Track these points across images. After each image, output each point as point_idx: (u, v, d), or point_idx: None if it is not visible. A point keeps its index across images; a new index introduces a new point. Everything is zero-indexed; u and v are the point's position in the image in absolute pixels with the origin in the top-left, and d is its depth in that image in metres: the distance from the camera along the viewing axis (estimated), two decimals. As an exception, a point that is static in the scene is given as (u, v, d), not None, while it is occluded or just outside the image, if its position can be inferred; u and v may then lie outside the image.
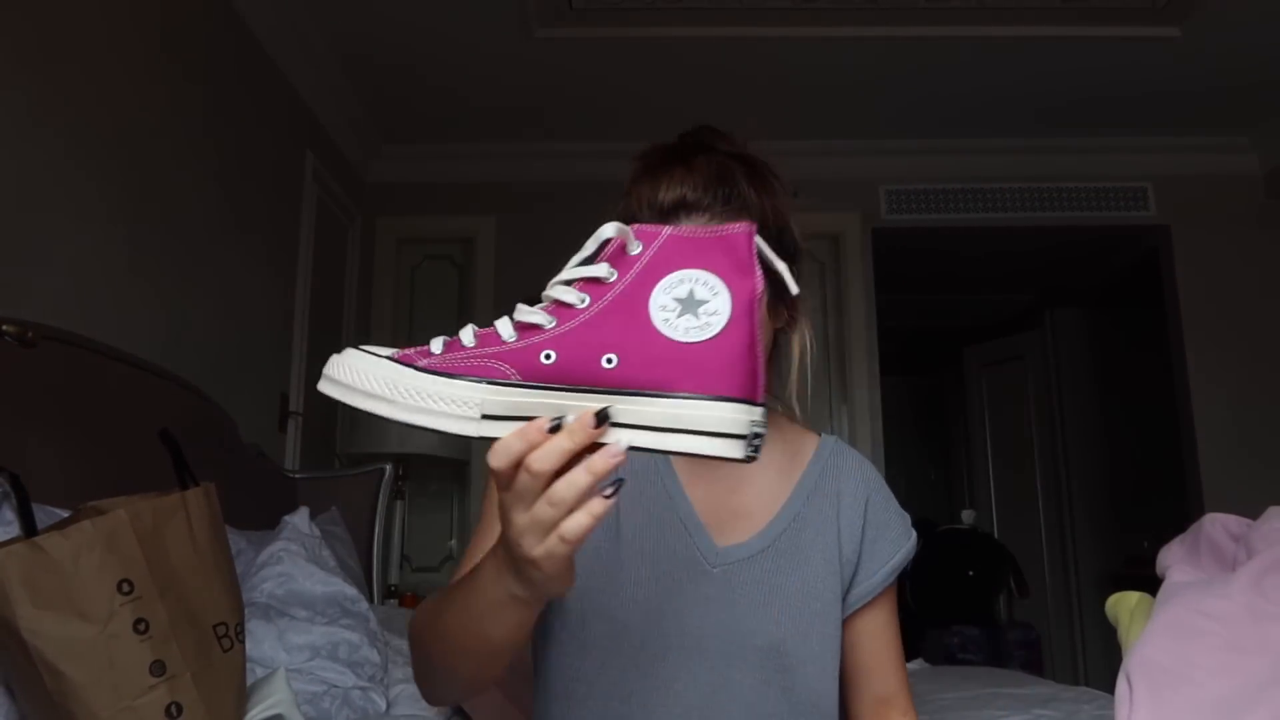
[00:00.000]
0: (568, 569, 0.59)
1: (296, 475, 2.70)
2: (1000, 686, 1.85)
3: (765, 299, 0.61)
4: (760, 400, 0.55)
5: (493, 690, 1.66)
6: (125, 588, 0.96)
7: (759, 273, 0.56)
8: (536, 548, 0.56)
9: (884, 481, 1.02)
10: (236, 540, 1.68)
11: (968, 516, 4.23)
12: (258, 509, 2.15)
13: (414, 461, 3.13)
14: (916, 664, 2.34)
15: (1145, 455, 4.68)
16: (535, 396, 0.54)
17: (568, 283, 0.57)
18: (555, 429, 0.53)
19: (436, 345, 0.58)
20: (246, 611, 1.26)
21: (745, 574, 0.90)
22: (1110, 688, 1.09)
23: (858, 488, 0.97)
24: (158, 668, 0.96)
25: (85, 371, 1.65)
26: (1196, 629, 1.01)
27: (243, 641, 1.09)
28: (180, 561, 1.03)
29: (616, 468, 0.53)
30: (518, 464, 0.54)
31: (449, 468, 3.45)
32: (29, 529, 0.99)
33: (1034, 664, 3.80)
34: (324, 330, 3.23)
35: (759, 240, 0.58)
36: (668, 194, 0.85)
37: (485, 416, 0.55)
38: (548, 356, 0.55)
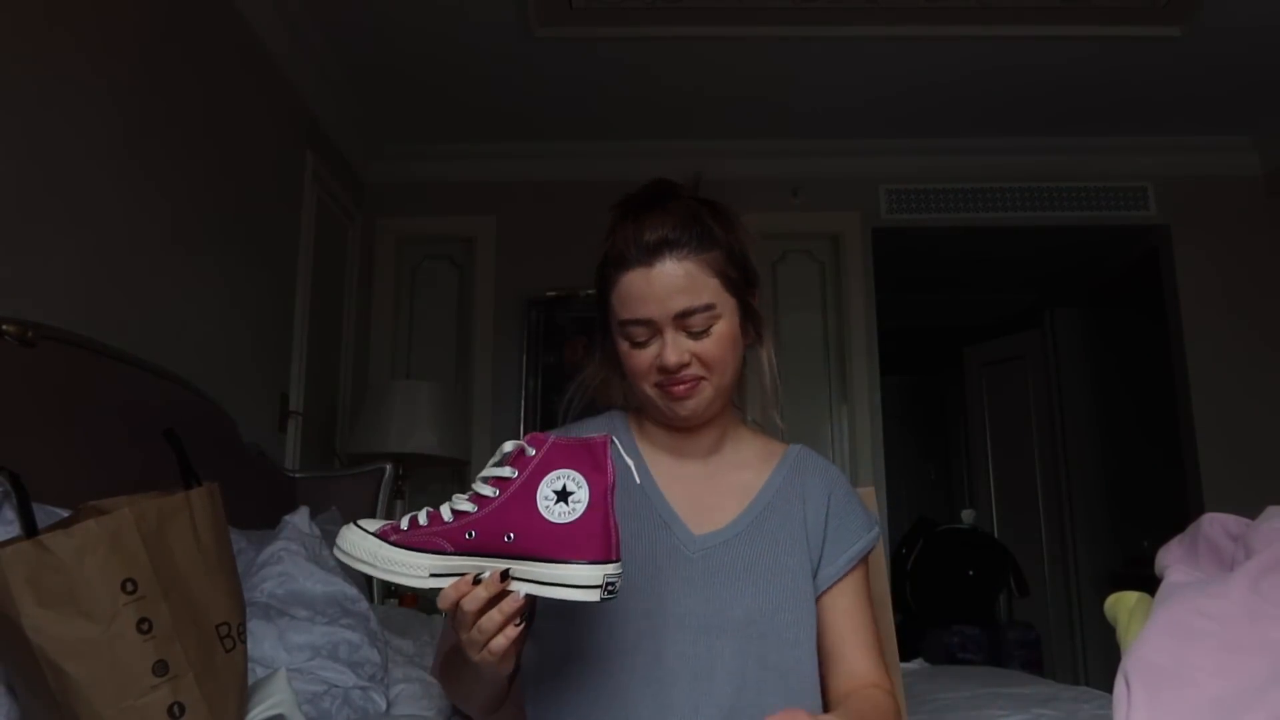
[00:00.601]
0: (505, 661, 0.86)
1: (296, 475, 2.70)
2: (1000, 686, 1.85)
3: (613, 490, 0.83)
4: (615, 558, 0.81)
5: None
6: (129, 587, 0.96)
7: (611, 469, 0.82)
8: (475, 656, 0.84)
9: (849, 484, 1.13)
10: (237, 540, 1.68)
11: (968, 516, 4.23)
12: (258, 509, 2.16)
13: (414, 461, 3.14)
14: (916, 664, 2.34)
15: (1145, 455, 4.68)
16: (463, 561, 0.82)
17: (485, 479, 0.84)
18: (477, 581, 0.81)
19: (404, 523, 0.84)
20: (247, 611, 1.26)
21: (721, 557, 1.03)
22: (1110, 687, 1.10)
23: (821, 485, 1.10)
24: (160, 668, 0.96)
25: (85, 371, 1.65)
26: (1195, 629, 1.01)
27: (244, 641, 1.09)
28: (184, 561, 1.03)
29: (520, 608, 0.81)
30: (456, 604, 0.81)
31: (449, 467, 3.45)
32: (29, 529, 1.00)
33: (1034, 664, 3.80)
34: (324, 330, 3.24)
35: (615, 443, 0.84)
36: (651, 235, 1.00)
37: (433, 574, 0.82)
38: (470, 534, 0.82)
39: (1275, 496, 1.33)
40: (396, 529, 0.84)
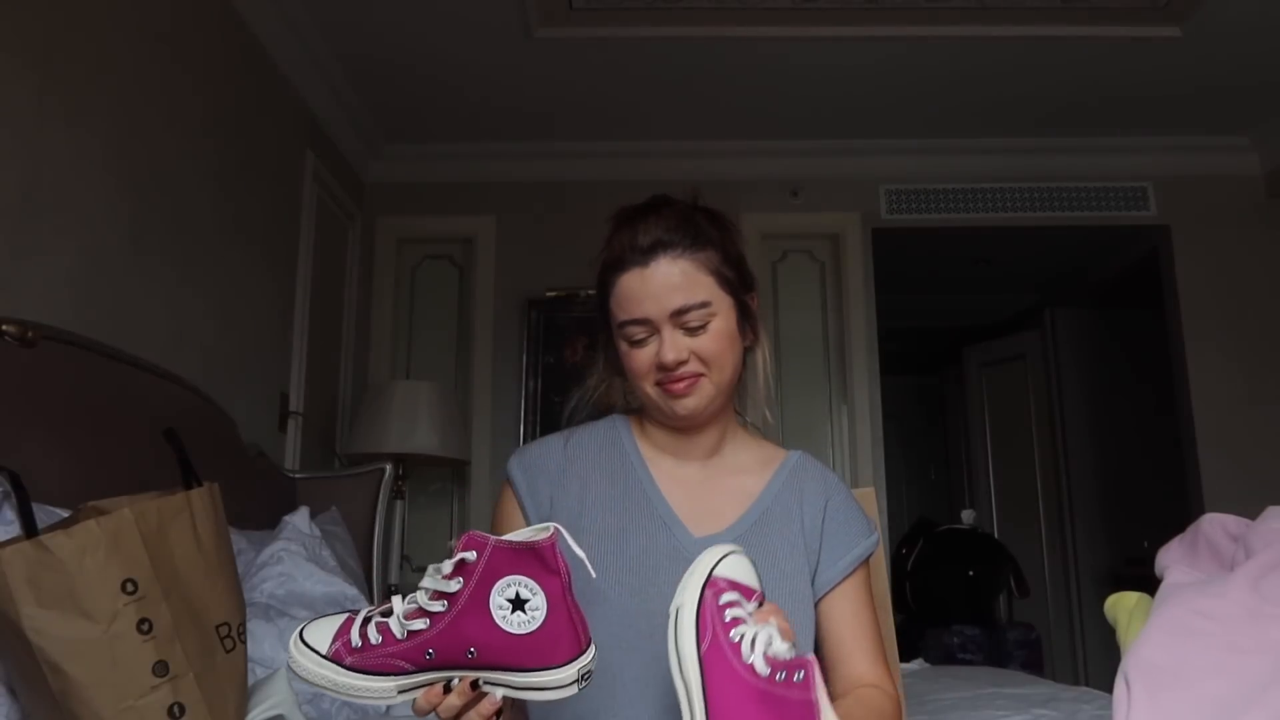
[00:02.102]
0: None
1: (296, 475, 2.70)
2: (1000, 686, 1.85)
3: (569, 585, 0.79)
4: (586, 645, 0.79)
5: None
6: (129, 587, 0.96)
7: (564, 567, 0.78)
8: None
9: (848, 490, 1.14)
10: (237, 540, 1.69)
11: (968, 516, 4.23)
12: (258, 509, 2.16)
13: (414, 461, 3.14)
14: (916, 664, 2.34)
15: (1145, 455, 4.68)
16: (427, 676, 0.79)
17: (432, 594, 0.79)
18: (447, 688, 0.79)
19: (355, 637, 0.80)
20: (247, 611, 1.26)
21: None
22: (1110, 688, 1.10)
23: (819, 491, 1.11)
24: (161, 668, 0.96)
25: (85, 371, 1.65)
26: (1194, 629, 1.01)
27: (245, 642, 1.09)
28: (184, 561, 1.03)
29: (498, 707, 0.80)
30: (430, 711, 0.80)
31: (449, 467, 3.45)
32: (29, 529, 1.00)
33: (1034, 664, 3.80)
34: (324, 330, 3.24)
35: (563, 534, 0.80)
36: (645, 237, 1.03)
37: (401, 691, 0.80)
38: (430, 654, 0.78)
39: (1275, 497, 1.33)
40: (349, 647, 0.79)
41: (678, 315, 1.02)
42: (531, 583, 0.77)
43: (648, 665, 0.97)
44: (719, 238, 1.07)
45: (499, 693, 0.79)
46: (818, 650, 1.07)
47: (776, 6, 2.90)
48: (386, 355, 3.68)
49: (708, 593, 0.80)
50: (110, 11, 1.94)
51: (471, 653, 0.77)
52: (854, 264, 3.76)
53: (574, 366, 3.65)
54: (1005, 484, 5.20)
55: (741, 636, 0.77)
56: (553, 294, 3.63)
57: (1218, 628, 1.00)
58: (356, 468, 2.83)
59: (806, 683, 0.75)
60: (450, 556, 0.79)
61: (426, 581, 0.80)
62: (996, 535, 4.71)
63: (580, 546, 0.96)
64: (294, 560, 1.72)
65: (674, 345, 1.02)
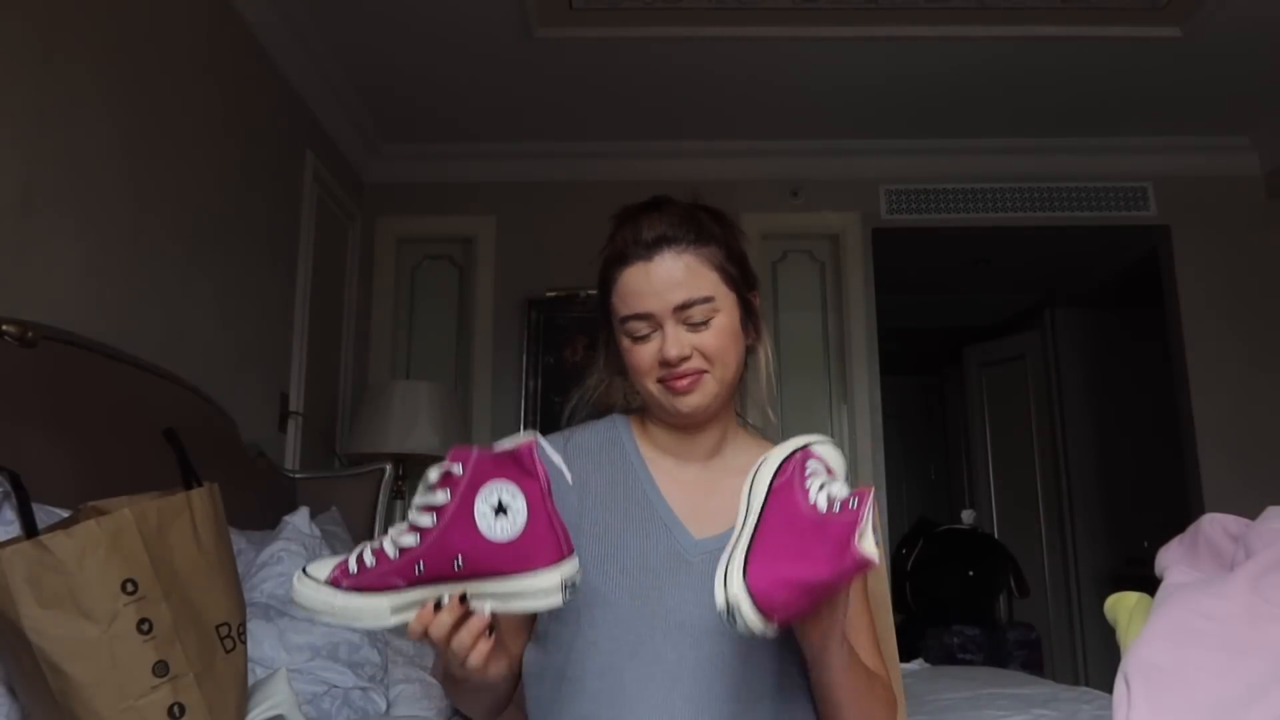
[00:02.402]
0: (491, 668, 0.88)
1: (296, 475, 2.70)
2: (1000, 686, 1.85)
3: (549, 490, 0.83)
4: (568, 554, 0.81)
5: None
6: (129, 588, 0.96)
7: (543, 471, 0.81)
8: (458, 671, 0.87)
9: (848, 490, 1.10)
10: (237, 540, 1.69)
11: (968, 516, 4.23)
12: (258, 509, 2.16)
13: (414, 461, 3.14)
14: (916, 664, 2.34)
15: (1145, 455, 4.68)
16: (419, 593, 0.82)
17: (420, 507, 0.83)
18: (438, 607, 0.82)
19: (353, 564, 0.83)
20: (247, 611, 1.26)
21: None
22: (1110, 688, 1.10)
23: None
24: (161, 668, 0.96)
25: (85, 371, 1.65)
26: (1195, 630, 1.01)
27: (245, 642, 1.09)
28: (184, 562, 1.03)
29: (486, 624, 0.84)
30: (425, 635, 0.83)
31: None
32: (29, 529, 1.00)
33: (1034, 664, 3.80)
34: (324, 330, 3.24)
35: (540, 443, 0.84)
36: (649, 232, 1.03)
37: (394, 612, 0.82)
38: (419, 568, 0.81)
39: (1275, 497, 1.33)
40: (346, 573, 0.82)
41: (681, 310, 1.01)
42: (513, 487, 0.80)
43: (649, 667, 0.96)
44: (722, 234, 1.07)
45: (486, 607, 0.81)
46: None
47: (776, 6, 2.90)
48: (386, 355, 3.68)
49: (798, 454, 0.85)
50: (110, 12, 1.94)
51: (458, 563, 0.80)
52: (854, 264, 3.76)
53: (574, 366, 3.65)
54: (1005, 484, 5.20)
55: (813, 482, 0.82)
56: (553, 294, 3.63)
57: (1218, 628, 1.00)
58: (356, 468, 2.83)
59: (858, 508, 0.77)
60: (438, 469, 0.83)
61: (417, 498, 0.83)
62: (996, 535, 4.71)
63: (580, 548, 0.96)
64: (294, 560, 1.71)
65: (677, 341, 1.01)
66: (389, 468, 2.77)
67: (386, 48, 3.04)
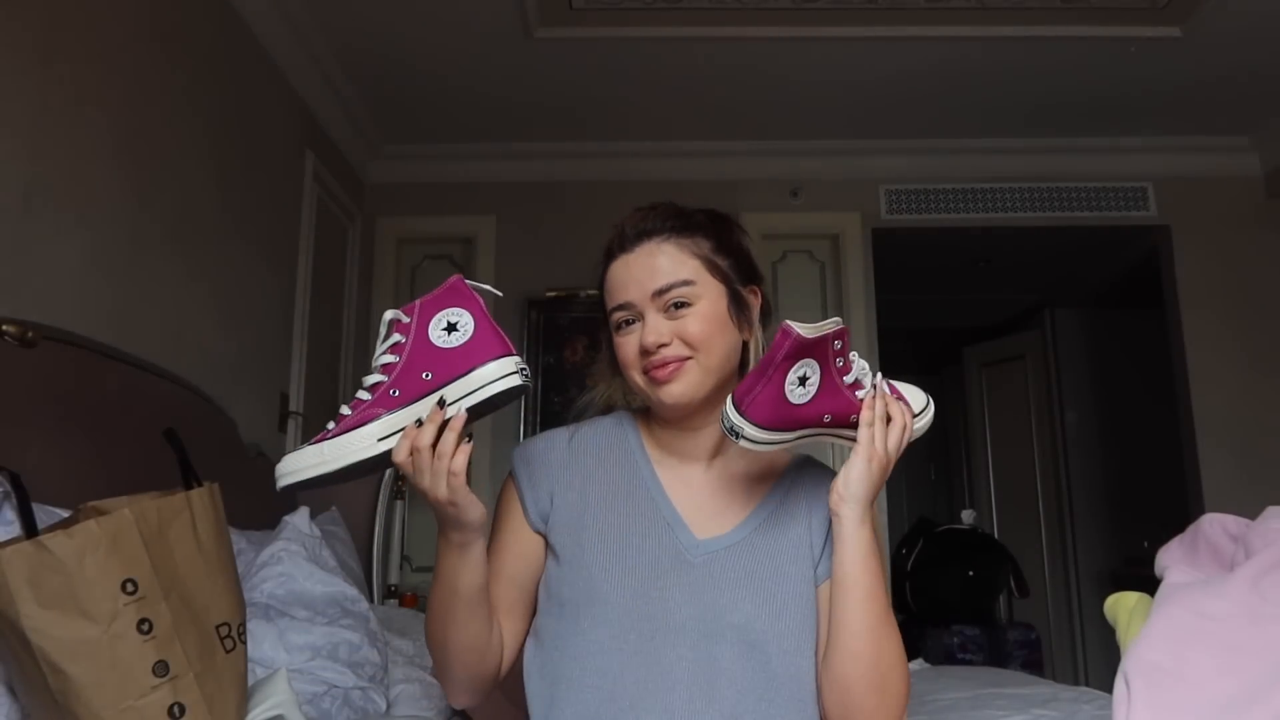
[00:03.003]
0: (469, 499, 0.92)
1: (297, 475, 2.69)
2: (1000, 686, 1.85)
3: (487, 307, 0.95)
4: (513, 351, 0.95)
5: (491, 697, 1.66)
6: (129, 588, 0.96)
7: (475, 295, 0.96)
8: (441, 489, 0.90)
9: None
10: (237, 540, 1.68)
11: (968, 516, 4.23)
12: (258, 509, 2.15)
13: (414, 461, 3.13)
14: (916, 664, 2.34)
15: (1145, 455, 4.68)
16: (400, 416, 0.92)
17: (380, 355, 0.95)
18: (419, 424, 0.90)
19: (331, 424, 0.93)
20: (247, 611, 1.26)
21: (723, 562, 1.02)
22: (1110, 687, 1.10)
23: (824, 492, 1.07)
24: (161, 668, 0.96)
25: (85, 371, 1.65)
26: (1195, 629, 1.01)
27: (245, 642, 1.09)
28: (184, 561, 1.03)
29: (464, 421, 0.91)
30: (410, 453, 0.89)
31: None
32: (29, 529, 1.00)
33: (1034, 664, 3.80)
34: (324, 330, 3.24)
35: (466, 282, 0.97)
36: (633, 228, 1.06)
37: (380, 440, 0.91)
38: (395, 392, 0.93)
39: (1275, 497, 1.33)
40: (326, 431, 0.92)
41: (659, 296, 1.01)
42: (457, 309, 0.95)
43: (650, 668, 0.96)
44: (713, 229, 1.07)
45: (463, 405, 0.92)
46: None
47: (776, 6, 2.90)
48: (386, 355, 3.68)
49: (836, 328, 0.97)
50: (111, 11, 1.94)
51: (428, 375, 0.92)
52: (854, 264, 3.76)
53: (574, 366, 3.65)
54: (1005, 484, 5.20)
55: (845, 352, 0.98)
56: (553, 294, 3.63)
57: (1218, 627, 1.00)
58: (357, 468, 2.83)
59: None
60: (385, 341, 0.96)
61: (378, 351, 0.96)
62: (996, 535, 4.71)
63: (582, 546, 1.03)
64: (294, 560, 1.71)
65: (654, 328, 1.01)
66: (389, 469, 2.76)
67: (387, 48, 3.04)
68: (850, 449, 0.98)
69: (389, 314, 0.96)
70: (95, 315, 1.84)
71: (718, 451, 1.10)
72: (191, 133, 2.29)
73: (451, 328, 0.93)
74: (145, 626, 0.96)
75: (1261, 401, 3.62)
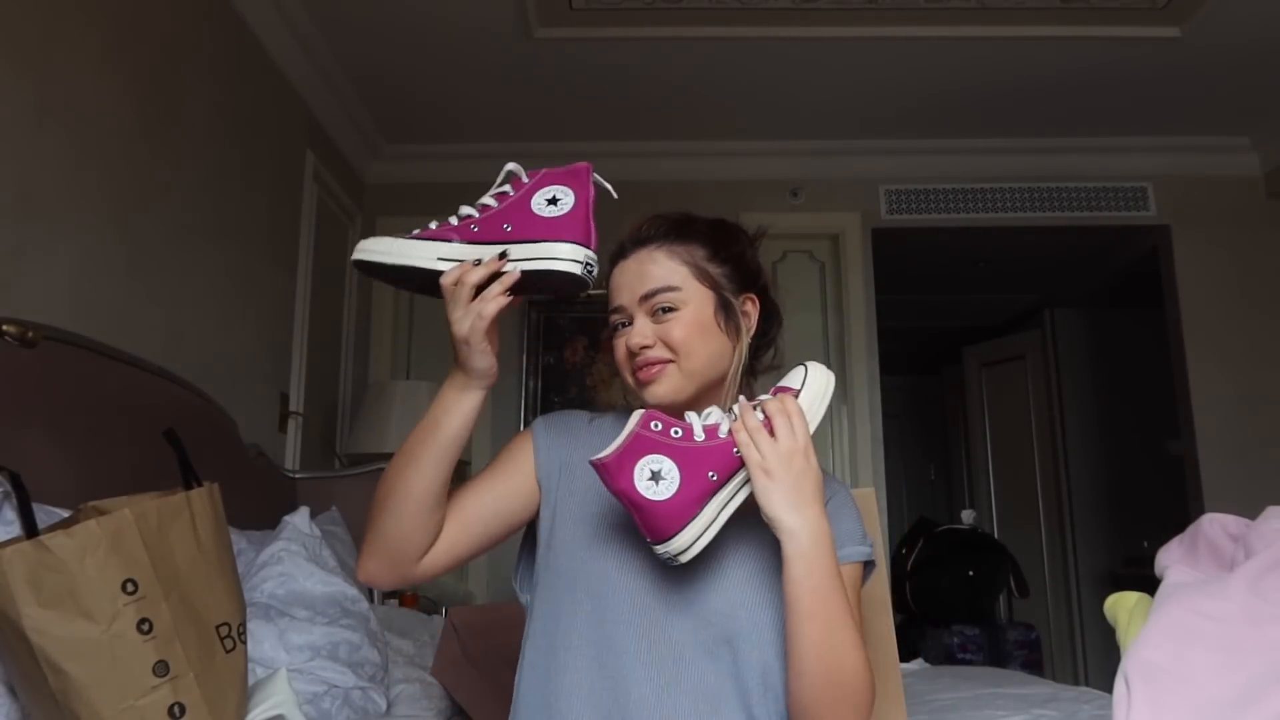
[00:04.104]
0: (483, 346, 0.96)
1: (296, 475, 2.70)
2: (1000, 686, 1.85)
3: (594, 202, 0.97)
4: (591, 246, 0.96)
5: (489, 685, 1.66)
6: (130, 587, 0.96)
7: (592, 188, 0.98)
8: (465, 326, 0.94)
9: (848, 494, 1.12)
10: (237, 540, 1.69)
11: (968, 516, 4.23)
12: (258, 509, 2.16)
13: (414, 461, 3.13)
14: (916, 664, 2.34)
15: (1145, 455, 4.69)
16: (465, 249, 0.98)
17: (490, 194, 1.00)
18: (477, 263, 0.95)
19: (418, 229, 1.00)
20: (247, 611, 1.26)
21: (709, 553, 1.01)
22: (1110, 687, 1.10)
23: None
24: (161, 668, 0.96)
25: (85, 371, 1.65)
26: (1194, 629, 1.01)
27: (245, 642, 1.09)
28: (184, 561, 1.03)
29: (514, 280, 0.94)
30: (457, 282, 0.94)
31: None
32: (30, 529, 1.00)
33: (1034, 664, 3.80)
34: (324, 330, 3.24)
35: (595, 173, 1.00)
36: (631, 236, 1.11)
37: (440, 258, 0.97)
38: (474, 228, 0.98)
39: (1275, 497, 1.33)
40: (410, 232, 0.98)
41: (646, 300, 1.06)
42: (565, 189, 0.97)
43: (655, 644, 0.99)
44: (711, 237, 1.10)
45: (520, 266, 0.94)
46: None
47: (776, 6, 2.90)
48: (386, 355, 3.68)
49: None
50: (110, 11, 1.94)
51: (508, 227, 0.96)
52: (854, 264, 3.76)
53: (574, 366, 3.65)
54: (1005, 484, 5.20)
55: (669, 423, 0.97)
56: (553, 294, 3.63)
57: (1217, 628, 1.00)
58: (356, 468, 2.83)
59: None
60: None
61: (488, 195, 1.00)
62: (996, 535, 4.71)
63: (583, 520, 1.06)
64: (294, 560, 1.71)
65: (639, 330, 1.06)
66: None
67: (387, 48, 3.04)
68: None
69: (511, 165, 1.00)
70: (95, 315, 1.84)
71: None
72: (192, 133, 2.29)
73: (553, 201, 0.96)
74: (145, 626, 0.96)
75: (1261, 402, 3.62)
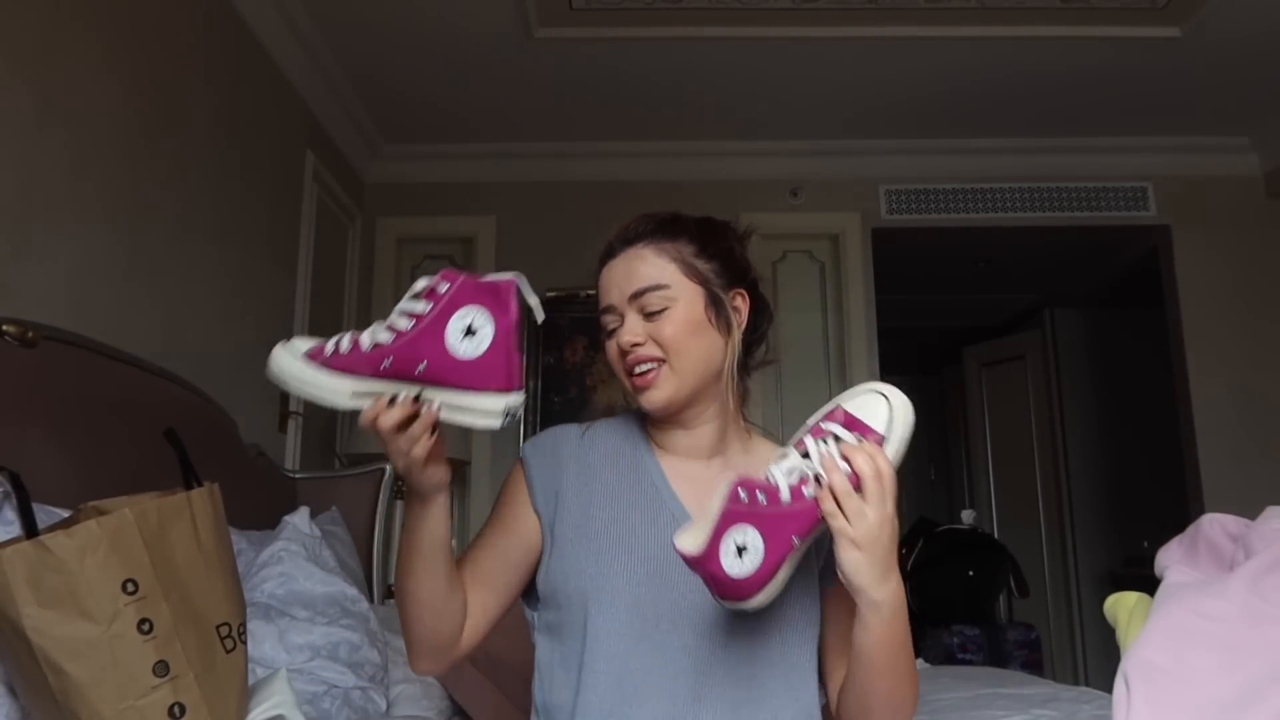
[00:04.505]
0: (422, 475, 0.93)
1: (296, 475, 2.70)
2: (1000, 686, 1.85)
3: (517, 326, 0.90)
4: (514, 387, 0.89)
5: (489, 685, 1.66)
6: (130, 588, 0.96)
7: (515, 309, 0.89)
8: (399, 463, 0.91)
9: None
10: (237, 540, 1.69)
11: (968, 516, 4.23)
12: (258, 509, 2.16)
13: (414, 461, 3.13)
14: (917, 664, 2.34)
15: (1145, 455, 4.69)
16: (379, 385, 0.89)
17: (402, 312, 0.90)
18: (392, 402, 0.88)
19: (329, 347, 0.90)
20: (247, 612, 1.26)
21: None
22: (1110, 687, 1.10)
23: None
24: (161, 668, 0.96)
25: (85, 371, 1.65)
26: (1194, 629, 1.01)
27: (245, 642, 1.09)
28: (184, 562, 1.03)
29: (434, 420, 0.89)
30: (375, 423, 0.88)
31: (449, 467, 3.45)
32: (29, 529, 1.00)
33: (1034, 664, 3.80)
34: (324, 330, 3.23)
35: (521, 283, 0.92)
36: (619, 235, 1.10)
37: (354, 395, 0.90)
38: (386, 363, 0.88)
39: (1275, 497, 1.33)
40: (321, 352, 0.90)
41: (636, 298, 1.05)
42: (486, 314, 0.88)
43: (654, 655, 0.99)
44: (699, 234, 1.09)
45: (436, 403, 0.88)
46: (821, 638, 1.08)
47: (776, 7, 2.90)
48: (386, 355, 3.68)
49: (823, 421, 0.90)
50: (110, 11, 1.94)
51: (421, 368, 0.88)
52: (854, 264, 3.76)
53: (574, 366, 3.65)
54: (1005, 484, 5.20)
55: (754, 487, 0.90)
56: (553, 294, 3.63)
57: (1217, 628, 1.00)
58: (356, 468, 2.83)
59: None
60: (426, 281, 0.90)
61: (402, 303, 0.90)
62: (996, 535, 4.71)
63: (589, 537, 1.04)
64: (294, 560, 1.72)
65: (630, 328, 1.05)
66: (389, 468, 2.77)
67: (387, 48, 3.04)
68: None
69: (422, 282, 0.91)
70: (95, 315, 1.84)
71: (717, 450, 1.12)
72: (192, 133, 2.29)
73: (470, 332, 0.88)
74: (146, 626, 0.96)
75: (1261, 401, 3.62)
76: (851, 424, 0.88)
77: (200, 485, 1.12)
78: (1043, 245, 4.20)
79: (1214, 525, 1.18)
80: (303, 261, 3.03)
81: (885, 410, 0.88)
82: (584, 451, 1.11)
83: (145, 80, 2.08)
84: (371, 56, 3.09)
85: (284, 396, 2.89)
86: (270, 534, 1.84)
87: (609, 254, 1.10)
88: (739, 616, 0.99)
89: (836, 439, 0.88)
